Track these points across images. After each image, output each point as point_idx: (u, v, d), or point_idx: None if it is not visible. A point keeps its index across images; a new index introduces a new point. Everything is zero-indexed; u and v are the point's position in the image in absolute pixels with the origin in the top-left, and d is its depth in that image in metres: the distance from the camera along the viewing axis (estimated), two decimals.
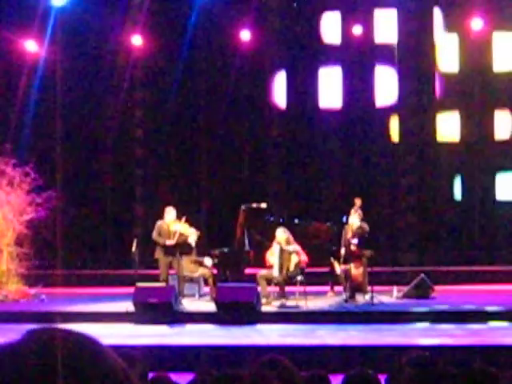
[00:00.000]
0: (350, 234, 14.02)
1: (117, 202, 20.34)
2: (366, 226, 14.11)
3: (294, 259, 13.70)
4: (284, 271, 13.69)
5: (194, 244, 14.68)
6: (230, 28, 19.69)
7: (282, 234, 13.86)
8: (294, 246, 13.80)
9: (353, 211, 14.33)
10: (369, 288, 13.72)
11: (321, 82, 20.23)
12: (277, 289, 13.96)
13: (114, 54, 20.17)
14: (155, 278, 14.26)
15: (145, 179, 20.36)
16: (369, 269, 13.87)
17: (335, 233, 14.65)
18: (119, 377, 1.28)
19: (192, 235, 14.57)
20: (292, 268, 13.69)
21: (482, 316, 12.34)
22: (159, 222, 14.34)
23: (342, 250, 13.98)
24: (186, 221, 14.35)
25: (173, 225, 14.25)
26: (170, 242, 14.05)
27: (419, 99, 19.65)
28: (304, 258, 13.81)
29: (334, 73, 20.17)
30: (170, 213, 14.38)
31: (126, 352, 4.42)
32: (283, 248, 13.75)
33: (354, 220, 14.16)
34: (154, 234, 14.24)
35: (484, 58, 19.32)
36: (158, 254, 14.21)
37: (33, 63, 19.39)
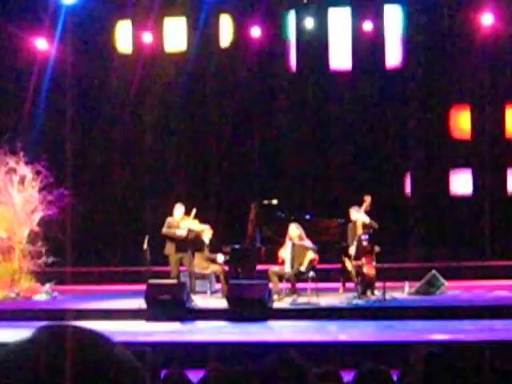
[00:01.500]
0: (360, 231, 14.01)
1: (128, 200, 20.36)
2: (374, 223, 14.13)
3: (310, 255, 13.71)
4: (296, 266, 13.68)
5: (207, 241, 14.72)
6: (240, 25, 19.71)
7: (295, 229, 13.88)
8: (309, 243, 13.82)
9: (361, 208, 14.30)
10: (378, 284, 13.71)
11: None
12: (289, 285, 13.97)
13: (124, 52, 20.19)
14: (167, 275, 14.29)
15: (156, 176, 20.38)
16: (379, 265, 13.85)
17: (345, 229, 14.63)
18: (131, 374, 1.28)
19: (206, 232, 14.61)
20: (306, 263, 13.67)
21: (494, 311, 12.31)
22: (169, 219, 14.40)
23: (352, 247, 13.96)
24: (196, 216, 14.35)
25: (182, 221, 14.31)
26: (180, 232, 14.09)
27: None
28: (316, 256, 13.83)
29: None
30: (179, 209, 14.44)
31: (138, 349, 4.43)
32: (296, 243, 13.75)
33: (362, 216, 14.16)
34: (164, 229, 14.28)
35: None
36: (169, 249, 14.23)
37: (43, 61, 19.42)
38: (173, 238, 14.20)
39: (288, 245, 13.80)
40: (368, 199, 14.81)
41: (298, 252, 13.74)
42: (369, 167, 19.51)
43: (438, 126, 19.70)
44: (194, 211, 14.34)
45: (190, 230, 14.17)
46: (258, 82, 20.29)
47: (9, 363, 1.23)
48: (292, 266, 13.70)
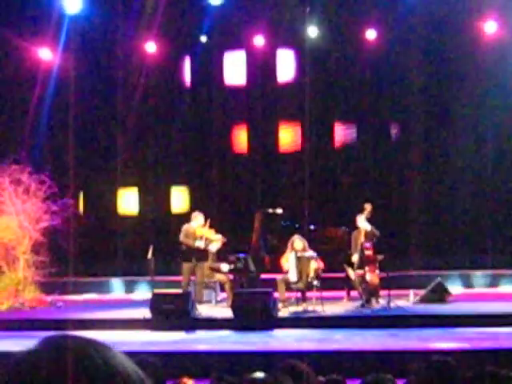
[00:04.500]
0: (363, 239, 13.99)
1: (133, 208, 20.36)
2: (376, 231, 14.11)
3: (313, 265, 13.68)
4: (304, 277, 13.65)
5: (214, 250, 14.67)
6: (243, 32, 19.75)
7: (299, 242, 13.83)
8: (311, 253, 13.79)
9: (362, 216, 14.28)
10: (383, 292, 13.69)
11: None
12: (295, 294, 13.95)
13: (128, 61, 20.23)
14: (172, 285, 14.25)
15: (159, 184, 20.40)
16: (383, 273, 13.83)
17: (350, 238, 14.60)
18: None
19: (214, 242, 14.55)
20: (312, 274, 13.65)
21: (499, 320, 12.27)
22: (185, 226, 14.27)
23: (355, 256, 13.96)
24: (210, 225, 14.25)
25: (199, 230, 14.17)
26: (199, 244, 13.99)
27: None
28: (321, 264, 13.81)
29: None
30: (198, 218, 14.26)
31: (143, 359, 4.43)
32: (300, 255, 13.71)
33: (365, 225, 14.14)
34: (182, 236, 14.15)
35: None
36: (185, 257, 14.10)
37: (47, 71, 19.46)
38: (187, 247, 14.09)
39: (292, 256, 13.74)
40: (369, 207, 14.78)
41: (303, 264, 13.71)
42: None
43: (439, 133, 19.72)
44: (208, 221, 14.24)
45: (207, 239, 14.08)
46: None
47: (12, 374, 1.22)
48: (300, 278, 13.65)
